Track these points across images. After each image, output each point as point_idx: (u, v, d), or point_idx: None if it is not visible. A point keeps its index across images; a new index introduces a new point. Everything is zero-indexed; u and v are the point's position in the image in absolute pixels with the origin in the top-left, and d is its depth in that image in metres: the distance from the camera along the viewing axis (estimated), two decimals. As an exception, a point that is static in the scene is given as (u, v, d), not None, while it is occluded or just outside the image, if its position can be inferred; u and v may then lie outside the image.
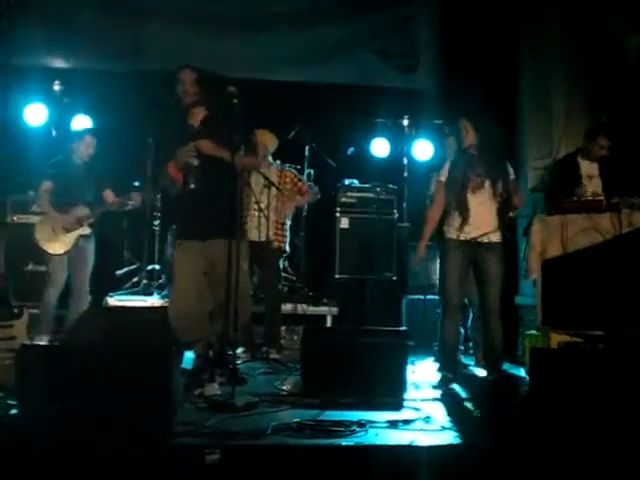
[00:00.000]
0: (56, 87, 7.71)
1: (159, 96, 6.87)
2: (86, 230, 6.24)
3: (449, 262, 5.21)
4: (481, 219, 5.15)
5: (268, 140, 6.30)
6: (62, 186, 6.21)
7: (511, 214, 5.17)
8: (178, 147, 4.72)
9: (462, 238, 5.17)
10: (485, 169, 5.15)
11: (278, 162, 6.49)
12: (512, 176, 5.23)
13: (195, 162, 4.64)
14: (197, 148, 4.66)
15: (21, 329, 4.72)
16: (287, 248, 6.49)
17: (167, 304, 5.15)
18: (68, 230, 6.15)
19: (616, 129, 6.02)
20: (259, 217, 6.13)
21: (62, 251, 6.15)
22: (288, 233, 6.49)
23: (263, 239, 6.15)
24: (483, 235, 5.13)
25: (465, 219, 5.14)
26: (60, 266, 6.16)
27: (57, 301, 6.18)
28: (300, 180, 6.50)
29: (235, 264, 4.41)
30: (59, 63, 7.93)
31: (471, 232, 5.15)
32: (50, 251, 6.14)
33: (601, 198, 5.48)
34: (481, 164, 5.16)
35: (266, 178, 6.15)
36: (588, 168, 5.92)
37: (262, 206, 6.14)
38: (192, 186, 4.69)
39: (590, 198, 5.54)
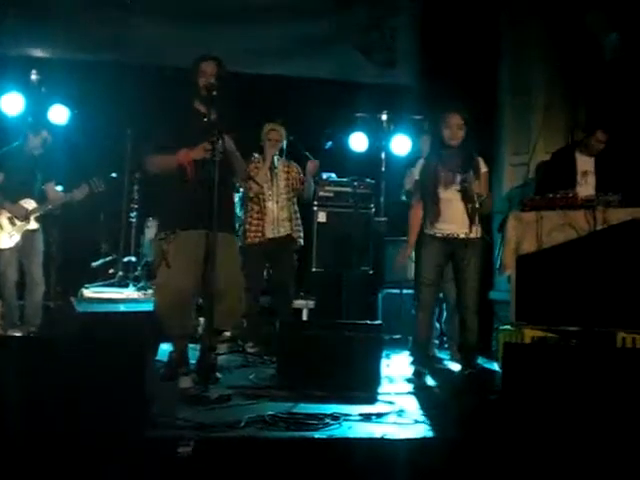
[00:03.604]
0: (33, 76, 7.63)
1: (138, 88, 6.94)
2: (33, 225, 6.20)
3: (424, 257, 5.22)
4: (455, 215, 5.14)
5: (282, 134, 6.35)
6: (12, 177, 6.16)
7: (477, 205, 5.15)
8: (187, 138, 4.64)
9: (438, 234, 5.18)
10: (459, 164, 5.16)
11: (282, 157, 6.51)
12: (484, 169, 5.24)
13: (215, 158, 4.56)
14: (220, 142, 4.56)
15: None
16: (301, 242, 6.48)
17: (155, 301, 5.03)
18: (14, 223, 6.10)
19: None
20: (276, 213, 6.21)
21: (8, 245, 6.10)
22: (301, 226, 6.49)
23: (279, 234, 6.22)
24: (459, 231, 5.16)
25: (438, 215, 5.14)
26: (10, 261, 6.11)
27: (16, 292, 6.16)
28: (300, 173, 6.50)
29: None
30: (37, 52, 7.86)
31: (446, 228, 5.16)
32: None
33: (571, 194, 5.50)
34: (456, 160, 5.18)
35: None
36: (584, 163, 5.95)
37: (275, 202, 6.22)
38: (202, 177, 4.61)
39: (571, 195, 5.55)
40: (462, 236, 5.15)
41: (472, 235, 5.16)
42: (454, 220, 5.15)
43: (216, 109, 4.62)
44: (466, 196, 5.10)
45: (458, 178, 5.12)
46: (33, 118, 7.02)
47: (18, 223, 6.11)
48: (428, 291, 5.21)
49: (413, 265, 5.77)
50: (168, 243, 4.68)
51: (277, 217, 6.22)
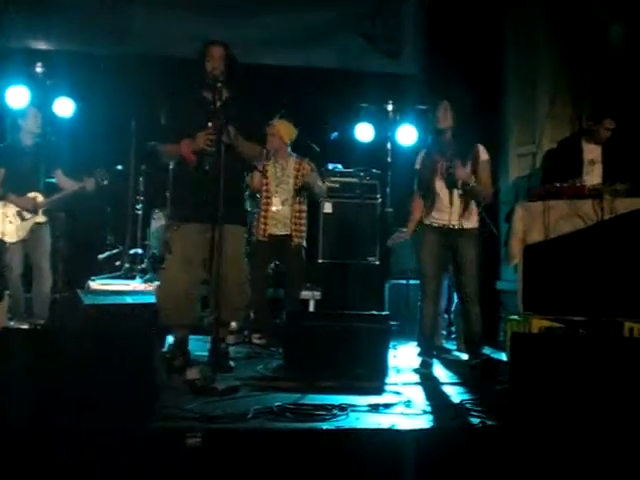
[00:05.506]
0: (38, 69, 7.62)
1: (142, 80, 6.91)
2: (41, 218, 6.19)
3: (423, 247, 5.22)
4: (449, 205, 5.11)
5: (287, 130, 6.28)
6: (14, 172, 6.15)
7: (461, 192, 5.13)
8: (193, 126, 4.61)
9: (434, 224, 5.18)
10: (456, 154, 5.14)
11: (294, 154, 6.44)
12: (484, 157, 5.22)
13: (213, 149, 4.51)
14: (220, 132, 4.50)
15: (1, 313, 4.70)
16: (304, 243, 6.36)
17: (155, 289, 5.07)
18: (23, 217, 6.10)
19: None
20: (279, 210, 6.19)
21: (16, 239, 6.09)
22: (305, 227, 6.37)
23: (284, 233, 6.19)
24: (453, 221, 5.13)
25: (433, 204, 5.15)
26: (16, 254, 6.10)
27: (22, 285, 6.16)
28: (313, 170, 6.43)
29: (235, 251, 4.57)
30: (41, 45, 7.86)
31: (442, 218, 5.15)
32: (5, 239, 6.07)
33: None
34: (453, 149, 5.15)
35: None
36: (591, 152, 5.91)
37: (281, 199, 6.19)
38: (207, 168, 4.56)
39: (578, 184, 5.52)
40: (457, 226, 5.14)
41: (467, 225, 5.16)
42: (448, 210, 5.12)
43: (222, 98, 4.61)
44: (449, 183, 5.09)
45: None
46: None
47: (27, 217, 6.10)
48: (430, 282, 5.21)
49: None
50: (172, 233, 4.72)
51: (280, 214, 6.19)
